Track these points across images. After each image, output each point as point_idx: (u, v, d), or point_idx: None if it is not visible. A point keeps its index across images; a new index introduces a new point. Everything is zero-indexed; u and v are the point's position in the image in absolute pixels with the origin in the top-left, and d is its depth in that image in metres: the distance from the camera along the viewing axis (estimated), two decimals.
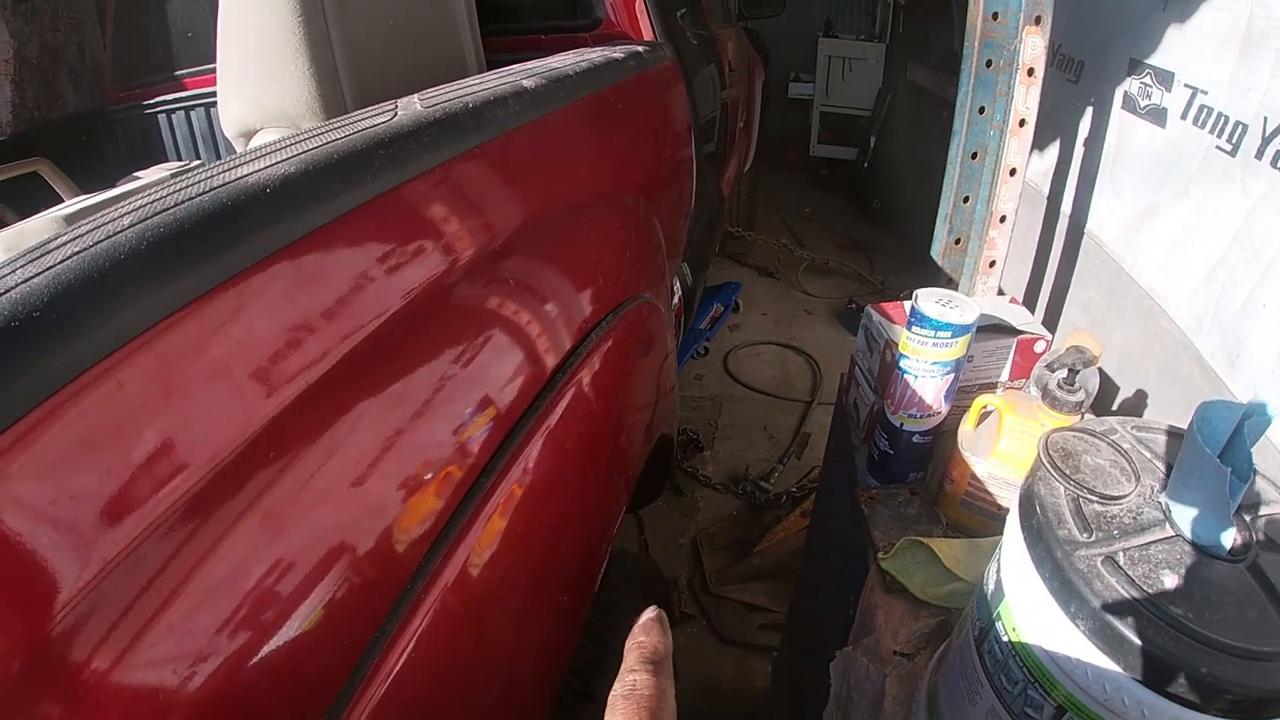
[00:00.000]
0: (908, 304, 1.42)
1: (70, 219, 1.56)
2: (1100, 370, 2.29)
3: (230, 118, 1.54)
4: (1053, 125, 2.99)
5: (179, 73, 2.83)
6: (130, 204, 0.65)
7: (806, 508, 2.78)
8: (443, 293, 0.88)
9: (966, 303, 1.32)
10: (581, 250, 1.29)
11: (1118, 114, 2.53)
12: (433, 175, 0.90)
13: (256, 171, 0.69)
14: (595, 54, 1.66)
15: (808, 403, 3.60)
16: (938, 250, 2.42)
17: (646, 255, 1.61)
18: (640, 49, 1.89)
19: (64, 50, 3.54)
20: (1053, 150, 2.98)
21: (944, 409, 1.42)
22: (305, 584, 0.63)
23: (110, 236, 0.56)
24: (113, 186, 1.98)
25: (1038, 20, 2.10)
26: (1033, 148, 3.16)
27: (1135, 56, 2.44)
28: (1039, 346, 1.58)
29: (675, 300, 2.29)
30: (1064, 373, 1.23)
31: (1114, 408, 2.17)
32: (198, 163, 2.17)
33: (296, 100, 1.48)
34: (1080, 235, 2.66)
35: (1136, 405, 2.09)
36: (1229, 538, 0.73)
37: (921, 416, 1.41)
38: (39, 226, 1.54)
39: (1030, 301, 2.93)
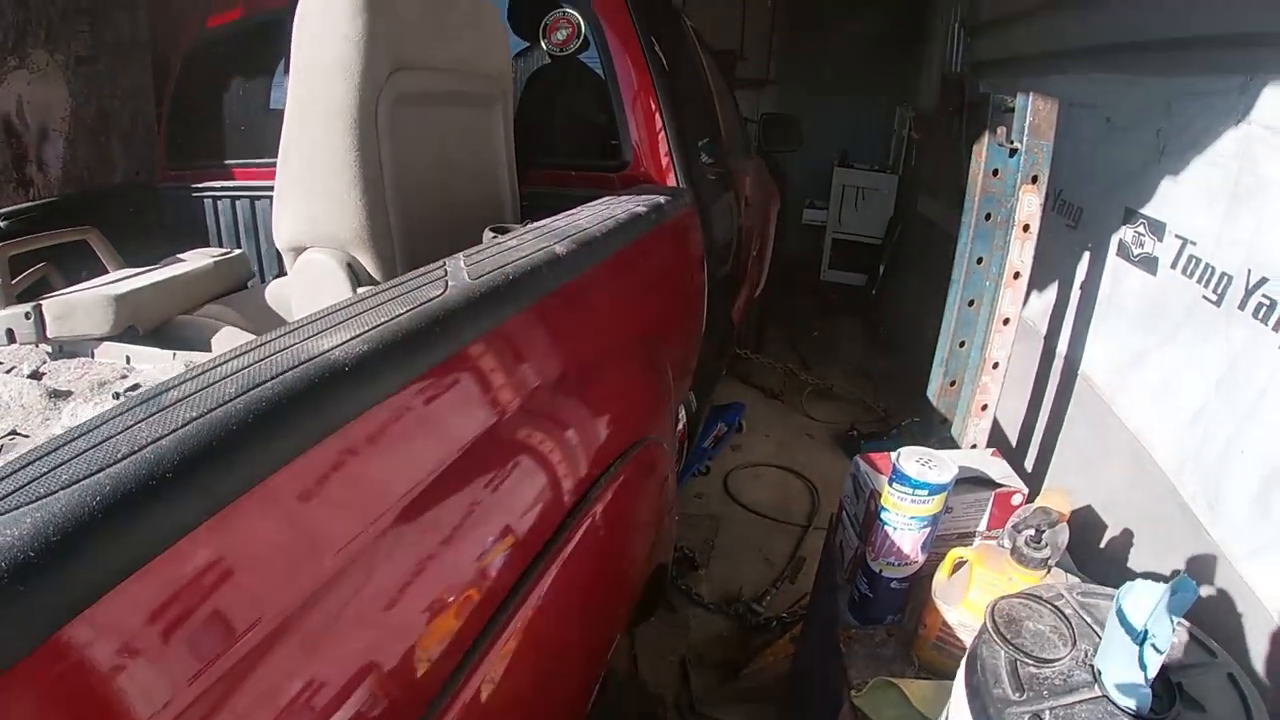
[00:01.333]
0: (894, 454, 1.54)
1: (120, 300, 1.73)
2: (1090, 508, 2.38)
3: (283, 232, 1.68)
4: (1051, 267, 3.09)
5: (229, 162, 2.93)
6: (229, 369, 0.74)
7: (796, 633, 2.81)
8: (479, 446, 1.00)
9: (945, 462, 1.45)
10: (597, 399, 1.40)
11: (1112, 260, 2.63)
12: (478, 344, 1.03)
13: (338, 346, 0.80)
14: (621, 208, 1.77)
15: (804, 527, 3.62)
16: (934, 391, 2.53)
17: (656, 398, 1.71)
18: (662, 199, 2.00)
19: (118, 116, 3.73)
20: (1051, 291, 3.07)
21: (921, 558, 1.52)
22: (341, 698, 0.74)
23: (221, 404, 0.66)
24: (156, 265, 2.12)
25: (1034, 179, 2.21)
26: (1032, 287, 3.27)
27: (1131, 206, 2.55)
28: (1016, 499, 1.68)
29: (680, 426, 2.37)
30: (1031, 531, 1.34)
31: (1101, 546, 2.23)
32: (239, 251, 2.31)
33: (347, 228, 1.62)
34: (1074, 375, 2.73)
35: (1123, 544, 2.14)
36: (1146, 702, 0.84)
37: (900, 564, 1.52)
38: (87, 301, 1.70)
39: (1025, 437, 2.99)
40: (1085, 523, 2.37)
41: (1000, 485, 1.70)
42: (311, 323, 0.90)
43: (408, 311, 0.92)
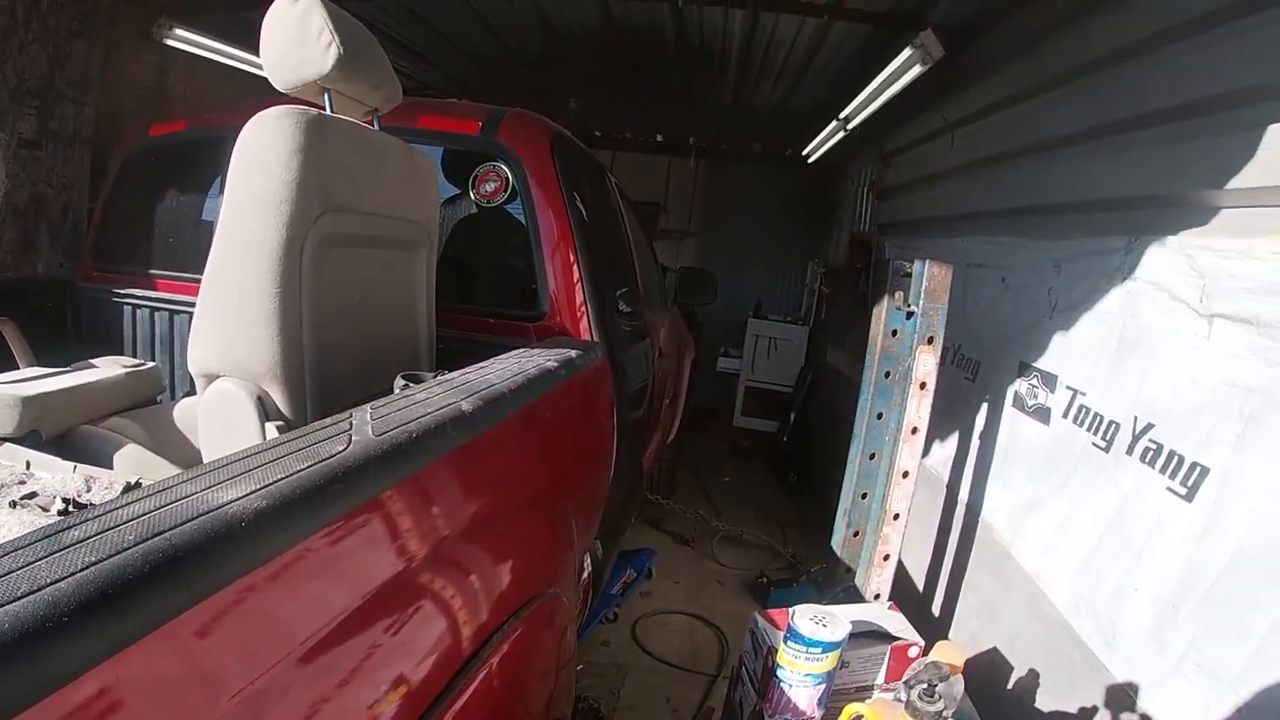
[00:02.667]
0: (790, 611, 1.57)
1: (27, 402, 1.73)
2: (995, 649, 2.41)
3: (198, 358, 1.64)
4: (952, 418, 3.19)
5: (153, 271, 2.85)
6: (130, 513, 0.76)
7: None
8: (375, 598, 0.99)
9: (839, 619, 1.48)
10: (497, 555, 1.38)
11: (1009, 411, 2.74)
12: (378, 501, 1.03)
13: (238, 499, 0.81)
14: (532, 362, 1.78)
15: (713, 676, 3.53)
16: (837, 541, 2.56)
17: (556, 551, 1.69)
18: (574, 353, 2.03)
19: (51, 205, 3.67)
20: (952, 441, 3.17)
21: (818, 714, 1.52)
22: None
23: (120, 551, 0.67)
24: (68, 369, 2.08)
25: (930, 340, 2.30)
26: (934, 438, 3.40)
27: (1025, 360, 2.69)
28: (912, 652, 1.69)
29: (585, 574, 2.33)
30: (924, 685, 1.37)
31: (1008, 687, 2.24)
32: (152, 365, 2.27)
33: (261, 361, 1.60)
34: (975, 522, 2.79)
35: (1029, 685, 2.15)
36: None
37: None
38: None
39: (931, 582, 3.02)
40: (990, 665, 2.38)
41: (897, 639, 1.73)
42: (213, 471, 0.90)
43: (309, 466, 0.93)
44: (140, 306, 2.86)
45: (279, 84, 1.86)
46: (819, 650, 1.46)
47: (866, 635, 1.72)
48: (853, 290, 5.77)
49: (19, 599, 0.59)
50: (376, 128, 2.12)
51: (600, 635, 3.81)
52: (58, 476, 1.48)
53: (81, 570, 0.64)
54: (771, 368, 7.69)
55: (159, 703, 0.69)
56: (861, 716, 1.44)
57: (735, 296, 8.48)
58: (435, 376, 1.61)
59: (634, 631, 3.93)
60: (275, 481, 0.87)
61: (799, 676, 1.50)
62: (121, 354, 2.60)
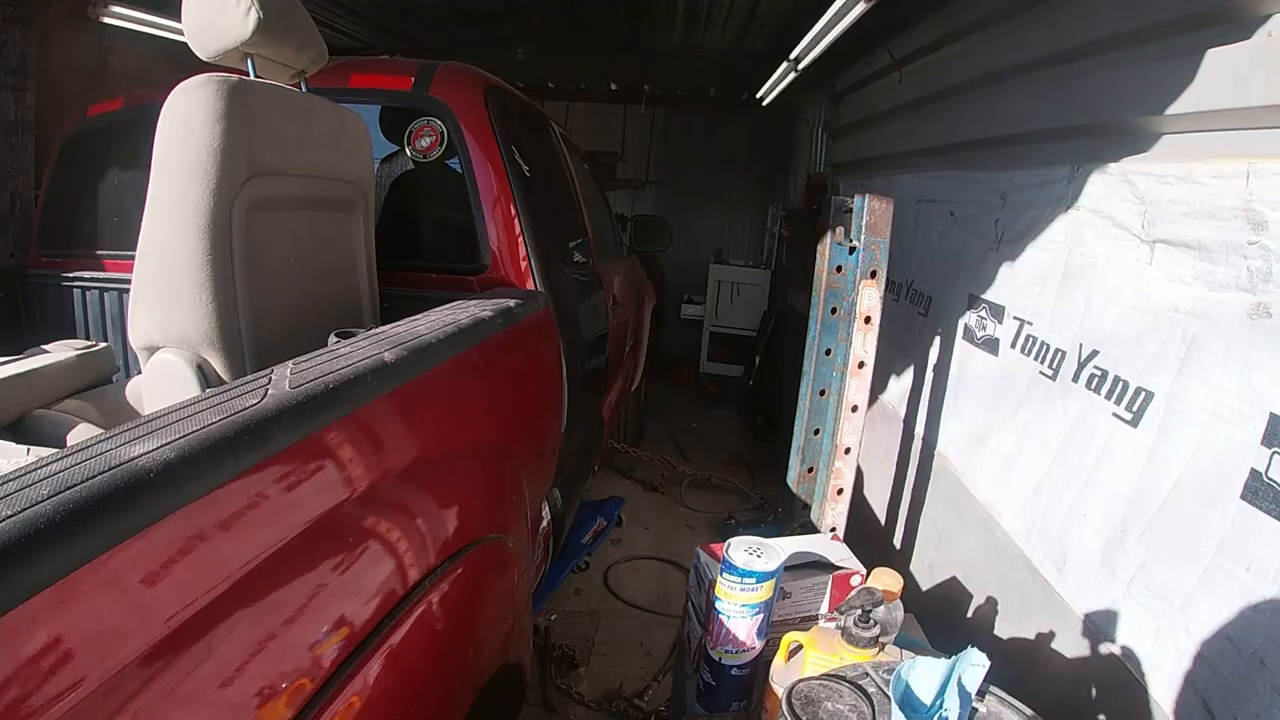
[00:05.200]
0: (725, 544, 1.59)
1: None
2: (954, 579, 2.45)
3: (138, 332, 1.66)
4: (906, 354, 3.23)
5: (100, 252, 2.84)
6: (47, 471, 0.80)
7: None
8: (293, 545, 1.01)
9: (773, 549, 1.49)
10: (427, 501, 1.39)
11: (959, 344, 2.77)
12: (291, 451, 1.04)
13: (147, 453, 0.84)
14: (466, 313, 1.79)
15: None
16: (792, 478, 2.58)
17: (498, 499, 1.70)
18: (513, 302, 2.04)
19: None
20: (907, 376, 3.20)
21: (758, 645, 1.55)
22: None
23: (33, 505, 0.72)
24: (19, 355, 2.05)
25: (873, 274, 2.29)
26: (890, 373, 3.43)
27: (973, 292, 2.71)
28: (855, 580, 1.72)
29: (545, 524, 2.38)
30: (858, 612, 1.39)
31: (968, 615, 2.28)
32: (103, 345, 2.23)
33: (198, 330, 1.62)
34: (931, 455, 2.84)
35: (987, 612, 2.20)
36: None
37: (737, 652, 1.54)
38: None
39: (891, 516, 3.06)
40: (947, 595, 2.43)
41: (839, 568, 1.75)
42: (131, 429, 0.93)
43: (219, 421, 0.95)
44: (90, 288, 2.84)
45: (201, 52, 1.85)
46: (753, 580, 1.48)
47: (809, 566, 1.75)
48: (810, 231, 5.77)
49: None
50: (304, 89, 2.09)
51: (573, 584, 3.85)
52: (11, 460, 1.50)
53: None
54: (735, 312, 7.72)
55: (76, 643, 0.73)
56: (800, 645, 1.45)
57: (697, 243, 8.47)
58: (367, 332, 1.61)
59: (606, 578, 3.98)
60: (185, 435, 0.90)
61: (736, 607, 1.53)
62: (75, 337, 2.57)
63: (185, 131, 1.60)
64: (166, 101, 1.62)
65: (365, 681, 1.07)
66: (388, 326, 1.63)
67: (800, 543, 1.79)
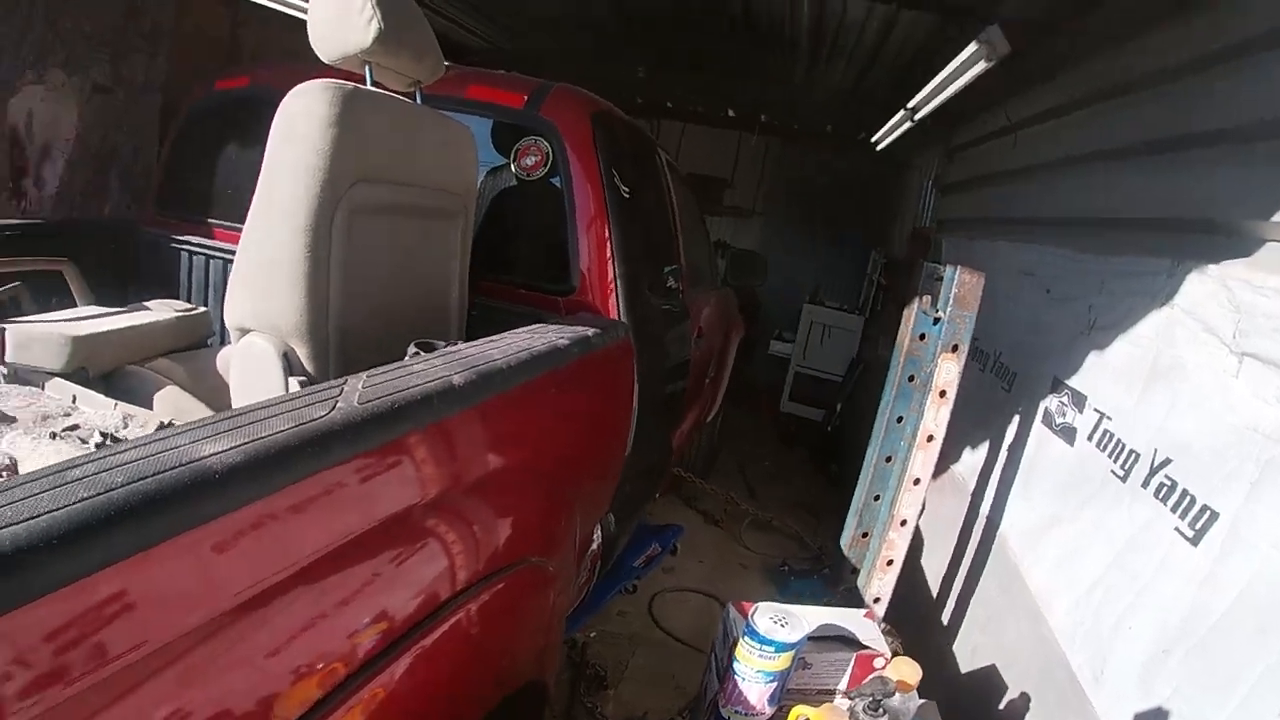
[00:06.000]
0: (752, 607, 1.59)
1: (76, 341, 1.88)
2: (993, 667, 2.38)
3: (233, 312, 1.77)
4: (984, 427, 3.14)
5: (212, 220, 2.97)
6: (127, 457, 0.87)
7: None
8: (341, 551, 1.07)
9: (799, 620, 1.49)
10: (473, 522, 1.43)
11: (1037, 427, 2.68)
12: (352, 463, 1.10)
13: (217, 453, 0.91)
14: (543, 339, 1.81)
15: None
16: (846, 540, 2.55)
17: (546, 524, 1.72)
18: (591, 331, 2.05)
19: (122, 150, 3.87)
20: (981, 451, 3.11)
21: (768, 711, 1.54)
22: None
23: (106, 490, 0.79)
24: (122, 309, 2.22)
25: (954, 348, 2.26)
26: (964, 445, 3.36)
27: (1059, 375, 2.62)
28: (878, 663, 1.70)
29: (594, 546, 2.39)
30: (869, 699, 1.37)
31: (1000, 707, 2.21)
32: (202, 310, 2.41)
33: (288, 320, 1.71)
34: (993, 535, 2.75)
35: (1019, 708, 2.12)
36: None
37: (747, 715, 1.54)
38: (46, 335, 1.88)
39: (944, 590, 3.00)
40: (986, 681, 2.36)
41: (864, 647, 1.73)
42: (205, 426, 1.00)
43: (287, 429, 1.01)
44: (197, 253, 2.97)
45: (324, 56, 1.96)
46: (772, 649, 1.49)
47: (835, 639, 1.72)
48: (909, 284, 5.70)
49: (19, 522, 0.72)
50: (419, 98, 2.18)
51: (617, 605, 3.85)
52: (99, 412, 1.62)
53: (74, 504, 0.76)
54: (824, 355, 7.60)
55: (129, 623, 0.80)
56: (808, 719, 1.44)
57: (795, 279, 8.39)
58: (447, 346, 1.67)
59: (651, 605, 3.96)
60: (253, 440, 0.96)
61: (752, 672, 1.54)
62: (177, 298, 2.72)
63: (298, 133, 1.69)
64: (284, 101, 1.71)
65: (390, 677, 1.14)
66: (464, 345, 1.67)
67: (831, 614, 1.77)
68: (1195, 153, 2.21)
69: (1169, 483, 1.88)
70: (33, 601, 0.71)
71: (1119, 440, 2.18)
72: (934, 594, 3.11)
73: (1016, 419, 2.88)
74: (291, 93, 1.71)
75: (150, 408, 1.90)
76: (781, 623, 1.49)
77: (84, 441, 1.40)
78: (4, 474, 1.24)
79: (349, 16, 1.85)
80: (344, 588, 1.08)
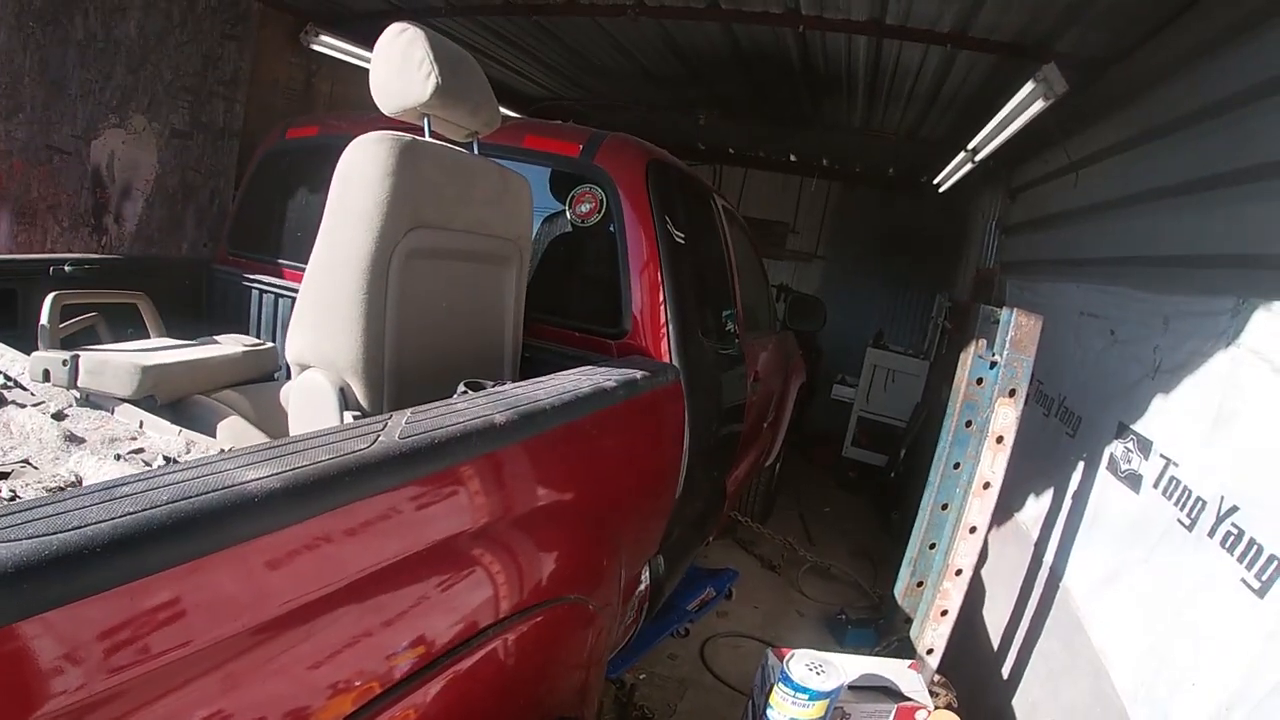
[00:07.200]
0: (789, 654, 1.55)
1: (145, 370, 1.98)
2: None
3: (293, 348, 1.85)
4: (1047, 475, 3.05)
5: (281, 261, 3.11)
6: (174, 477, 0.94)
7: None
8: (379, 575, 1.11)
9: (835, 669, 1.45)
10: (517, 557, 1.46)
11: (1102, 474, 2.59)
12: (387, 495, 1.14)
13: (258, 479, 0.96)
14: (590, 381, 1.86)
15: None
16: (900, 590, 2.49)
17: (587, 562, 1.74)
18: (639, 374, 2.09)
19: (199, 191, 4.13)
20: (1045, 499, 3.02)
21: None
22: None
23: (153, 507, 0.85)
24: (192, 342, 2.35)
25: (1012, 393, 2.20)
26: (1029, 494, 3.27)
27: (1124, 420, 2.54)
28: (920, 715, 1.65)
29: (642, 588, 2.39)
30: None
31: None
32: (270, 345, 2.51)
33: (345, 358, 1.78)
34: (1056, 586, 2.66)
35: None
36: None
37: None
38: (118, 363, 1.96)
39: (1005, 643, 2.92)
40: None
41: (906, 699, 1.68)
42: (250, 453, 1.06)
43: (326, 461, 1.06)
44: (266, 291, 3.13)
45: (384, 108, 2.06)
46: (805, 697, 1.46)
47: (877, 689, 1.67)
48: (969, 328, 5.60)
49: (69, 530, 0.77)
50: (476, 148, 2.26)
51: (669, 647, 3.81)
52: (164, 437, 1.69)
53: (119, 517, 0.82)
54: (887, 400, 7.48)
55: (165, 628, 0.84)
56: None
57: (858, 323, 8.32)
58: (494, 385, 1.73)
59: (703, 649, 3.91)
60: (293, 469, 1.01)
61: (786, 719, 1.48)
62: (246, 333, 2.83)
63: (358, 181, 1.78)
64: (345, 151, 1.80)
65: (424, 697, 1.18)
66: (511, 385, 1.73)
67: (874, 664, 1.72)
68: (1260, 185, 2.15)
69: (1236, 531, 1.79)
70: (81, 600, 0.75)
71: (1185, 487, 2.08)
72: (994, 646, 3.01)
73: (1081, 465, 2.78)
74: (352, 144, 1.80)
75: (214, 435, 1.97)
76: (818, 670, 1.46)
77: (147, 464, 1.46)
78: (67, 488, 1.28)
79: (409, 72, 1.94)
80: (376, 612, 1.11)
